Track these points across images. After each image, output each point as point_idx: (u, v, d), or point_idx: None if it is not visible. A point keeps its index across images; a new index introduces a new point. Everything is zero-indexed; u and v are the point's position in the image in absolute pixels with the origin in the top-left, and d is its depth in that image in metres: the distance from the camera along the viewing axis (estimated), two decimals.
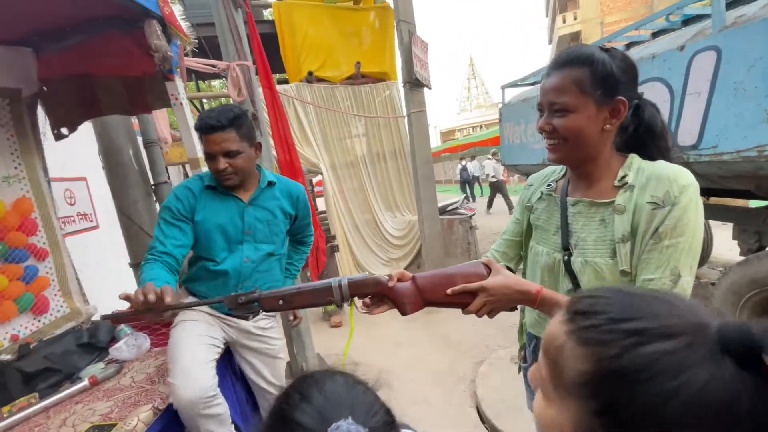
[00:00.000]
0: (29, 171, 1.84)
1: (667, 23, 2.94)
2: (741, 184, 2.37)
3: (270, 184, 1.60)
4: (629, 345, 0.36)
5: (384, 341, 3.54)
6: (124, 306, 1.13)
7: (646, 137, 0.90)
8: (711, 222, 3.52)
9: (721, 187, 2.55)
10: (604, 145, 0.88)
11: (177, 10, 1.50)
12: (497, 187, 10.16)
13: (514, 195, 10.56)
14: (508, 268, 1.03)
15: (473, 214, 5.38)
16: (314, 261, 3.88)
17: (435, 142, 33.49)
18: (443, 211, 5.36)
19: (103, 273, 2.96)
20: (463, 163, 14.42)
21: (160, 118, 3.53)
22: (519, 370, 1.24)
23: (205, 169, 1.57)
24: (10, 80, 1.77)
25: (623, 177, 0.86)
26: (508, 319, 0.94)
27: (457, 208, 5.65)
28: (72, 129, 2.02)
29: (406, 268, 5.22)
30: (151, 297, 1.06)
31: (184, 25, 1.54)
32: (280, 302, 0.91)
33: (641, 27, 3.08)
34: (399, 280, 0.91)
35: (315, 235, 2.17)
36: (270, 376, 1.68)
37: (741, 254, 2.87)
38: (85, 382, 1.44)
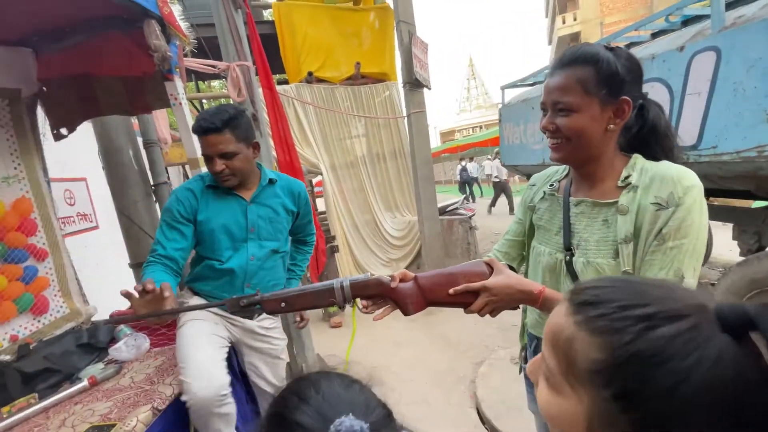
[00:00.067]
0: (29, 171, 1.84)
1: (667, 24, 2.94)
2: (741, 184, 2.37)
3: (271, 181, 1.60)
4: (641, 330, 0.37)
5: (384, 341, 3.54)
6: (125, 306, 1.13)
7: (650, 137, 0.89)
8: (711, 222, 3.52)
9: (721, 187, 2.55)
10: (608, 145, 0.87)
11: (176, 10, 1.50)
12: (501, 188, 10.15)
13: (516, 195, 10.56)
14: (511, 268, 1.03)
15: (473, 215, 5.38)
16: (314, 261, 3.88)
17: (435, 142, 33.51)
18: (443, 211, 5.36)
19: (102, 273, 2.96)
20: (463, 163, 14.43)
21: (160, 118, 3.54)
22: (520, 371, 1.24)
23: (204, 169, 1.57)
24: (10, 80, 1.77)
25: (626, 177, 0.86)
26: (508, 320, 0.94)
27: (457, 208, 5.65)
28: (71, 129, 2.02)
29: (405, 269, 5.21)
30: (150, 286, 1.09)
31: (183, 25, 1.54)
32: (282, 304, 0.91)
33: (641, 28, 3.09)
34: (401, 280, 0.91)
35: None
36: (271, 376, 1.68)
37: (741, 254, 2.87)
38: (85, 383, 1.44)
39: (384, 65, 5.38)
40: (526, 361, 1.20)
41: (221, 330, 1.56)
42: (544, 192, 1.05)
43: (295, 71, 4.94)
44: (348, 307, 0.92)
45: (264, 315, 1.63)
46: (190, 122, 1.63)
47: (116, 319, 1.32)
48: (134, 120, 2.82)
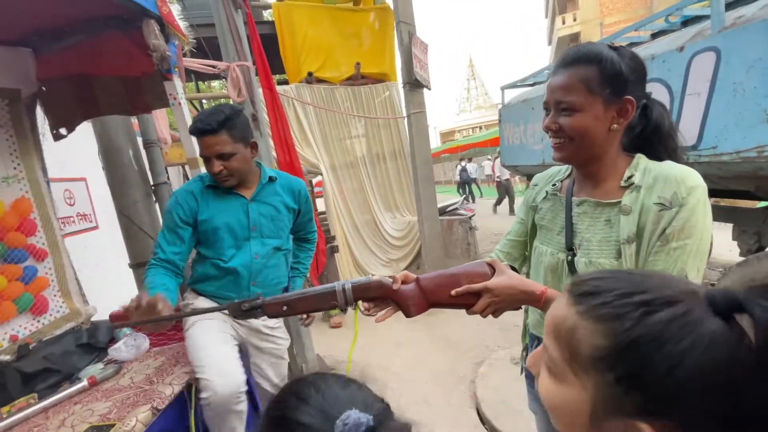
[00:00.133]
0: (28, 171, 1.84)
1: (667, 24, 2.94)
2: (741, 184, 2.37)
3: (271, 179, 1.61)
4: (640, 315, 0.40)
5: (384, 342, 3.54)
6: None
7: (654, 137, 0.88)
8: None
9: (721, 187, 2.55)
10: (611, 144, 0.87)
11: (175, 9, 1.51)
12: (506, 188, 10.14)
13: (517, 195, 10.55)
14: (513, 269, 1.02)
15: (473, 215, 5.39)
16: (314, 262, 3.87)
17: (435, 142, 33.50)
18: (443, 211, 5.36)
19: (102, 273, 2.96)
20: (463, 164, 14.42)
21: (159, 118, 3.54)
22: (521, 371, 1.23)
23: (204, 169, 1.57)
24: (9, 80, 1.77)
25: (630, 177, 0.85)
26: (509, 320, 0.94)
27: (456, 208, 5.65)
28: (70, 129, 2.02)
29: (405, 269, 5.22)
30: (144, 303, 1.13)
31: (182, 24, 1.54)
32: (284, 308, 0.91)
33: (641, 28, 3.09)
34: (403, 282, 0.90)
35: None
36: (274, 377, 1.68)
37: (741, 255, 2.87)
38: (84, 383, 1.44)
39: (384, 65, 5.38)
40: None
41: (229, 329, 1.57)
42: (547, 192, 1.04)
43: (295, 71, 4.94)
44: (350, 310, 0.92)
45: None
46: (190, 122, 1.63)
47: (120, 323, 1.33)
48: (134, 120, 2.82)
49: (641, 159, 0.87)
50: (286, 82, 5.05)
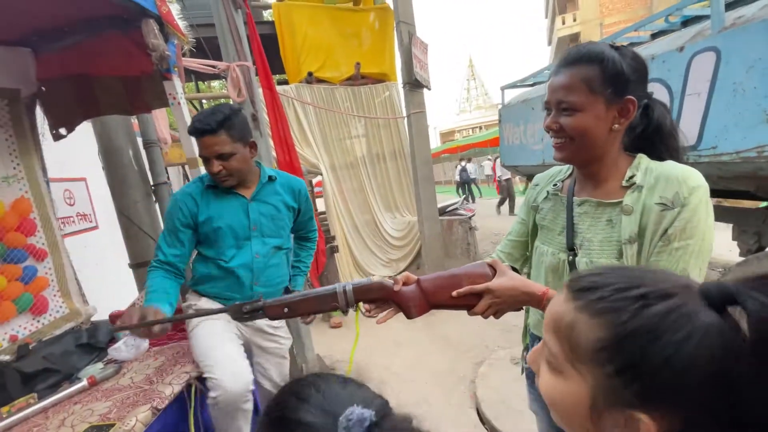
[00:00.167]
0: (28, 171, 1.84)
1: (667, 24, 2.94)
2: (741, 184, 2.37)
3: (270, 179, 1.61)
4: (638, 308, 0.41)
5: (384, 342, 3.54)
6: (124, 306, 1.16)
7: (655, 137, 0.88)
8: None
9: (721, 188, 2.55)
10: (612, 144, 0.87)
11: (174, 9, 1.51)
12: (509, 188, 10.13)
13: (518, 195, 10.54)
14: (514, 269, 1.02)
15: (473, 215, 5.38)
16: (314, 261, 3.87)
17: (434, 143, 33.49)
18: (443, 211, 5.36)
19: (102, 273, 2.96)
20: (463, 164, 14.41)
21: (159, 118, 3.54)
22: (522, 372, 1.23)
23: (203, 168, 1.58)
24: (9, 80, 1.77)
25: (631, 177, 0.85)
26: (510, 320, 0.94)
27: (456, 208, 5.65)
28: (70, 129, 2.02)
29: (405, 269, 5.23)
30: (135, 320, 1.20)
31: (181, 24, 1.54)
32: (285, 310, 0.91)
33: (640, 28, 3.09)
34: (404, 283, 0.90)
35: None
36: (277, 377, 1.68)
37: (740, 255, 2.87)
38: (84, 383, 1.44)
39: (384, 65, 5.38)
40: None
41: (234, 329, 1.58)
42: (548, 192, 1.04)
43: (295, 71, 4.94)
44: (351, 311, 0.92)
45: None
46: (189, 121, 1.63)
47: (123, 327, 1.34)
48: (134, 120, 2.82)
49: (642, 159, 0.87)
50: (286, 82, 5.05)
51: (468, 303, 0.88)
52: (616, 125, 0.84)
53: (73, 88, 1.90)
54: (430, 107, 4.86)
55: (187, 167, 2.08)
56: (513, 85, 5.01)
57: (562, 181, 1.02)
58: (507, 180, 9.93)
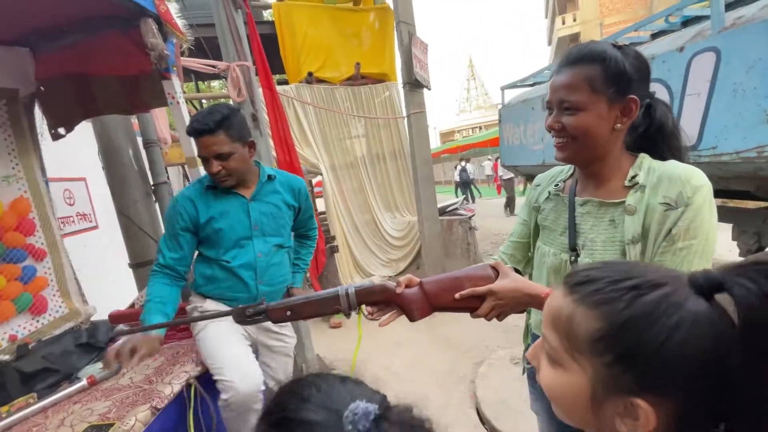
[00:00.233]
0: (27, 171, 1.84)
1: (667, 24, 2.94)
2: (741, 185, 2.37)
3: (270, 177, 1.61)
4: (631, 298, 0.43)
5: (384, 342, 3.54)
6: (123, 305, 1.16)
7: (657, 137, 0.88)
8: None
9: (721, 188, 2.55)
10: (614, 144, 0.86)
11: (173, 8, 1.50)
12: (511, 187, 10.11)
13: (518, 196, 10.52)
14: (517, 271, 1.01)
15: (473, 215, 5.38)
16: (314, 262, 3.87)
17: (434, 143, 33.48)
18: (443, 211, 5.35)
19: (102, 273, 2.96)
20: (463, 164, 14.40)
21: (159, 118, 3.54)
22: (523, 372, 1.22)
23: (202, 168, 1.58)
24: (8, 80, 1.77)
25: (633, 177, 0.84)
26: (509, 320, 0.93)
27: (456, 209, 5.64)
28: (69, 129, 2.02)
29: (405, 269, 5.23)
30: (125, 351, 1.24)
31: (180, 23, 1.54)
32: (288, 313, 0.91)
33: (640, 28, 3.09)
34: (406, 286, 0.90)
35: None
36: (282, 376, 1.68)
37: (740, 255, 2.87)
38: (84, 382, 1.44)
39: (384, 65, 5.38)
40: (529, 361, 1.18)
41: (241, 329, 1.58)
42: (549, 192, 1.03)
43: (295, 71, 4.94)
44: (353, 314, 0.92)
45: None
46: (188, 121, 1.63)
47: (127, 330, 1.34)
48: (134, 120, 2.82)
49: (645, 158, 0.86)
50: (286, 82, 5.05)
51: (471, 305, 0.87)
52: (619, 125, 0.83)
53: (71, 88, 1.90)
54: (430, 107, 4.85)
55: (186, 167, 2.08)
56: (513, 85, 5.01)
57: (564, 182, 1.02)
58: (509, 180, 9.93)
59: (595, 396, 0.45)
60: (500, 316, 0.88)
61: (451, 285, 0.88)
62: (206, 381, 1.50)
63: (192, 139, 1.53)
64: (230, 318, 1.53)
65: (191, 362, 1.55)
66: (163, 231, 1.59)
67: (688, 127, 2.29)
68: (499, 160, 9.85)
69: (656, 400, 0.41)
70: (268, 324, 1.62)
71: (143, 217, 2.56)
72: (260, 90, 2.85)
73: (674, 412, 0.41)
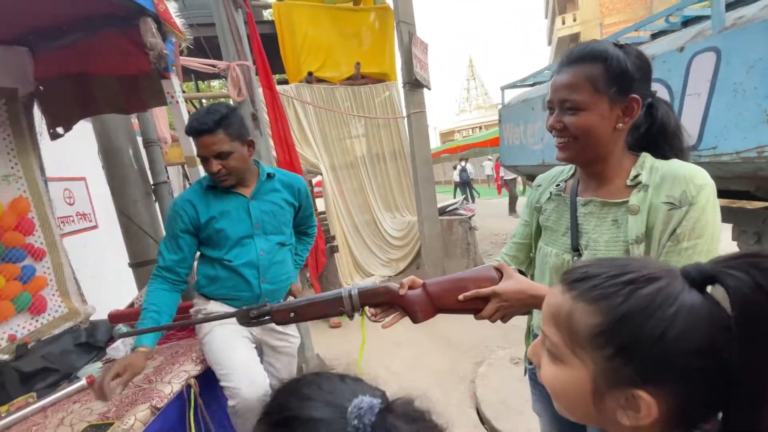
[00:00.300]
0: (26, 170, 1.83)
1: (667, 24, 2.94)
2: (741, 185, 2.37)
3: (269, 176, 1.61)
4: (628, 292, 0.44)
5: (384, 342, 3.53)
6: (123, 305, 1.15)
7: (659, 136, 0.87)
8: None
9: (721, 188, 2.54)
10: (616, 143, 0.86)
11: (172, 7, 1.50)
12: (513, 187, 10.10)
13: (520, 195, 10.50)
14: (520, 272, 1.01)
15: (473, 215, 5.38)
16: (314, 261, 3.88)
17: (434, 142, 33.46)
18: (443, 211, 5.35)
19: (102, 273, 2.96)
20: (463, 164, 14.38)
21: (159, 118, 3.54)
22: (525, 372, 1.21)
23: (202, 167, 1.57)
24: (7, 80, 1.77)
25: (636, 176, 0.84)
26: (511, 321, 0.92)
27: (456, 208, 5.64)
28: (68, 128, 2.01)
29: (405, 269, 5.22)
30: (107, 381, 1.19)
31: (179, 22, 1.54)
32: (292, 314, 0.91)
33: (641, 28, 3.08)
34: (410, 287, 0.89)
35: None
36: (286, 376, 1.68)
37: None
38: (83, 382, 1.44)
39: (384, 65, 5.38)
40: (531, 362, 1.18)
41: (245, 331, 1.57)
42: (551, 192, 1.03)
43: (295, 71, 4.94)
44: (356, 316, 0.91)
45: None
46: (187, 120, 1.63)
47: (131, 332, 1.33)
48: (134, 119, 2.82)
49: (647, 158, 0.86)
50: (286, 82, 5.05)
51: (475, 307, 0.86)
52: (620, 124, 0.83)
53: (70, 87, 1.90)
54: (430, 107, 4.85)
55: (186, 166, 2.08)
56: (513, 85, 5.01)
57: (565, 182, 1.01)
58: (511, 180, 9.91)
59: (597, 390, 0.46)
60: (504, 318, 0.87)
61: (454, 286, 0.88)
62: (206, 381, 1.51)
63: (191, 139, 1.53)
64: (234, 320, 1.55)
65: (191, 361, 1.55)
66: (163, 231, 1.59)
67: (689, 127, 2.27)
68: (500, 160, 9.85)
69: (657, 391, 0.42)
70: (273, 324, 1.62)
71: (143, 216, 2.56)
72: (260, 89, 2.85)
73: (674, 403, 0.42)
